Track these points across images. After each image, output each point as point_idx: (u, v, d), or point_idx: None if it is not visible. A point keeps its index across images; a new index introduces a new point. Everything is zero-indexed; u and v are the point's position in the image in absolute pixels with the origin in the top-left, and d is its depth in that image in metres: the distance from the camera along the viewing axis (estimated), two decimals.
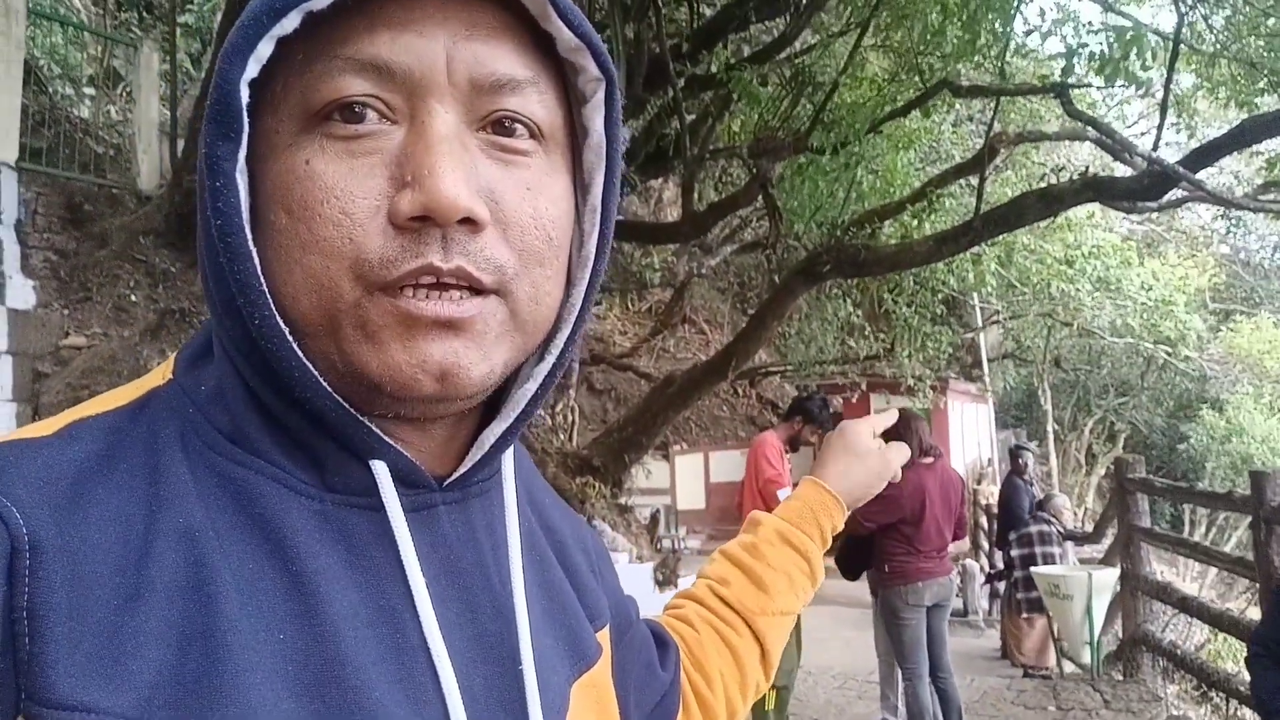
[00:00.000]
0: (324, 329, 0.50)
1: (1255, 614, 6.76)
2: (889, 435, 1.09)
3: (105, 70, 9.63)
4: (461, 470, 0.58)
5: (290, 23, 0.48)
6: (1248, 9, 6.96)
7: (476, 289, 0.51)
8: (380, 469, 0.53)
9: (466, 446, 0.59)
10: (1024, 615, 7.40)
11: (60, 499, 0.46)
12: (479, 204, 0.50)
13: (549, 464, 7.92)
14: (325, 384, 0.51)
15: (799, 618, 1.02)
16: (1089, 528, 8.81)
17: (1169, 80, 6.27)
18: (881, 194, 7.84)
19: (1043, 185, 7.23)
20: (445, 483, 0.57)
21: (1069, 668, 7.13)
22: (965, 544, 7.77)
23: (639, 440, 8.38)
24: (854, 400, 11.56)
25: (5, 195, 6.14)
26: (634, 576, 6.53)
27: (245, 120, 0.49)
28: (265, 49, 0.49)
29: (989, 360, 16.95)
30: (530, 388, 0.58)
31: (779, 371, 13.79)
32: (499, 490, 0.61)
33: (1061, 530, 7.65)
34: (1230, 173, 16.29)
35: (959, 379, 15.78)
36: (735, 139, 8.39)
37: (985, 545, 11.31)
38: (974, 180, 7.26)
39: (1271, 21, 6.84)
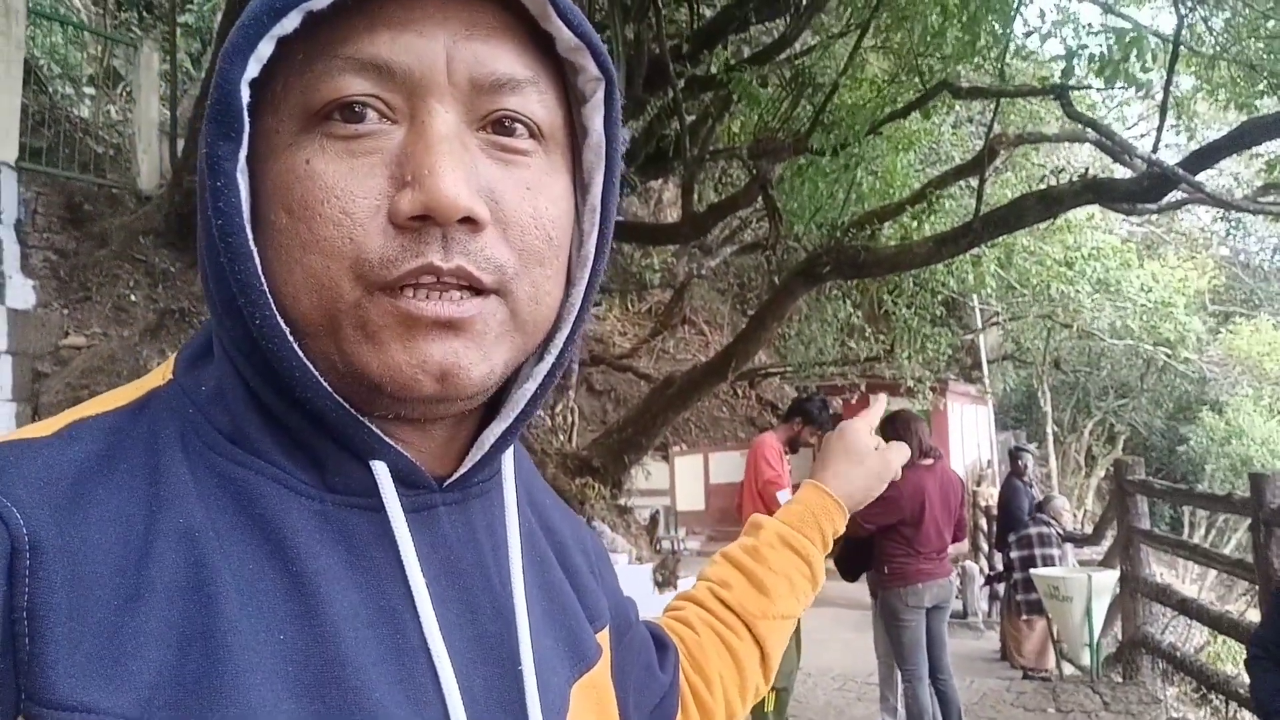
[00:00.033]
0: (324, 329, 0.50)
1: (1255, 616, 6.76)
2: (888, 434, 1.08)
3: (105, 70, 9.63)
4: (462, 471, 0.58)
5: (290, 22, 0.48)
6: (1248, 11, 6.96)
7: (477, 289, 0.51)
8: (380, 469, 0.53)
9: (467, 447, 0.59)
10: (1023, 617, 7.40)
11: (60, 499, 0.46)
12: (479, 203, 0.50)
13: (548, 465, 7.93)
14: (326, 384, 0.51)
15: (799, 619, 1.01)
16: (1088, 529, 8.81)
17: (1168, 82, 6.28)
18: (881, 195, 7.85)
19: (1042, 187, 7.24)
20: (445, 483, 0.57)
21: (1068, 669, 7.13)
22: (965, 546, 7.79)
23: (638, 441, 8.38)
24: (854, 402, 11.55)
25: (5, 195, 6.14)
26: (633, 578, 6.53)
27: (246, 120, 0.49)
28: (266, 49, 0.49)
29: (989, 362, 16.96)
30: (530, 387, 0.58)
31: (779, 373, 13.80)
32: (499, 491, 0.61)
33: (1061, 532, 7.65)
34: (1230, 175, 16.31)
35: (959, 380, 15.79)
36: (735, 140, 8.40)
37: (985, 547, 11.31)
38: (974, 182, 7.27)
39: (1271, 24, 6.85)
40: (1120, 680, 6.27)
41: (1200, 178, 6.18)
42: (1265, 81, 6.85)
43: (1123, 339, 15.48)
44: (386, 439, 0.53)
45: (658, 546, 9.65)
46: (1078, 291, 11.69)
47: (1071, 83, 6.28)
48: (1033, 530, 7.53)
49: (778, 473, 4.76)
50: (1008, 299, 14.15)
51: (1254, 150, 8.33)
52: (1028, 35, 7.91)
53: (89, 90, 9.43)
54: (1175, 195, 6.63)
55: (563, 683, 0.62)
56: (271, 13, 0.48)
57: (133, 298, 6.12)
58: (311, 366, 0.50)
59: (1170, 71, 6.16)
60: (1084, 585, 6.40)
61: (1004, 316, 16.25)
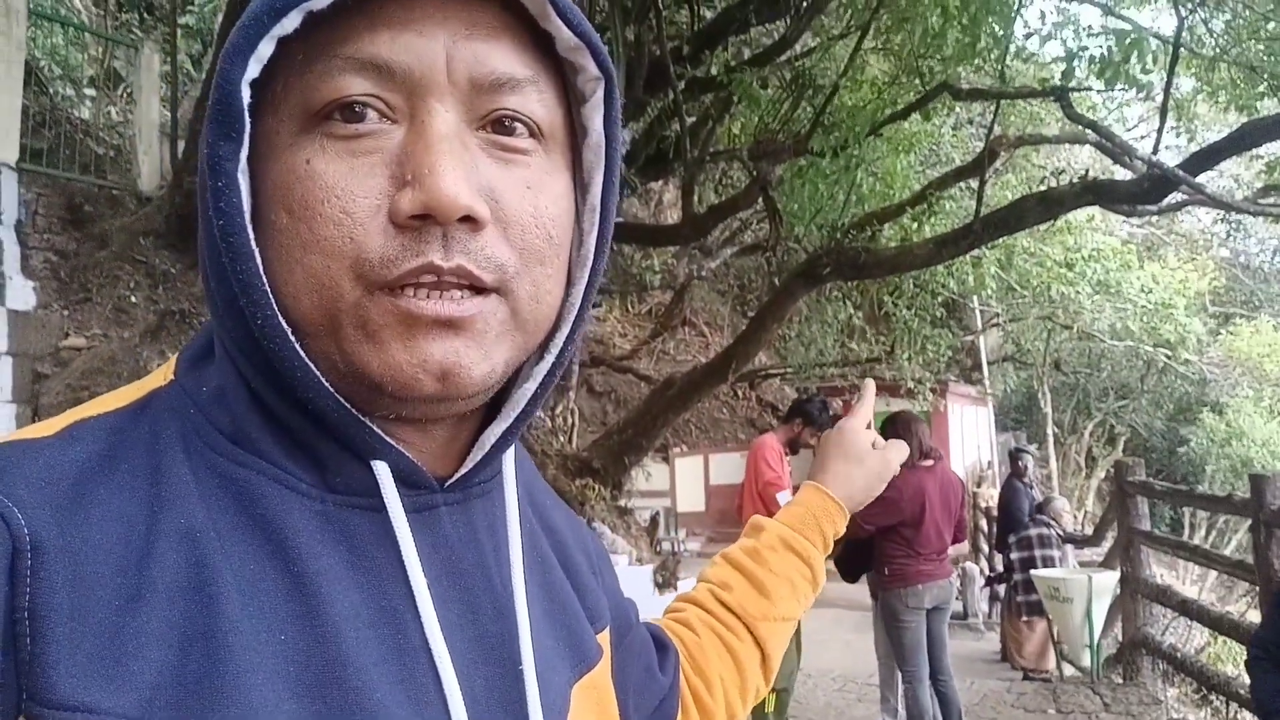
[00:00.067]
0: (325, 329, 0.50)
1: (1255, 617, 6.76)
2: (888, 435, 1.08)
3: (106, 71, 9.63)
4: (463, 471, 0.58)
5: (291, 22, 0.48)
6: (1248, 13, 6.96)
7: (477, 288, 0.51)
8: (382, 469, 0.53)
9: (468, 447, 0.59)
10: (1024, 618, 7.40)
11: (62, 499, 0.46)
12: (479, 202, 0.50)
13: (549, 466, 7.93)
14: (327, 384, 0.51)
15: (799, 620, 1.01)
16: (1089, 531, 8.81)
17: (1169, 84, 6.28)
18: (881, 197, 7.85)
19: (1043, 188, 7.24)
20: (447, 483, 0.57)
21: (1069, 671, 7.13)
22: (965, 547, 7.79)
23: (639, 442, 8.39)
24: (854, 403, 11.56)
25: (6, 196, 6.14)
26: (634, 579, 6.52)
27: (247, 120, 0.49)
28: (266, 49, 0.49)
29: (989, 363, 16.97)
30: (530, 387, 0.58)
31: (779, 374, 13.81)
32: (500, 491, 0.61)
33: (1061, 533, 7.65)
34: (1230, 176, 16.31)
35: (959, 382, 15.80)
36: (735, 141, 8.40)
37: (985, 548, 11.31)
38: (974, 183, 7.27)
39: (1271, 25, 6.85)
40: (1121, 681, 6.27)
41: (1201, 179, 6.18)
42: (1266, 83, 6.84)
43: (1123, 340, 15.48)
44: (388, 439, 0.53)
45: (658, 548, 9.65)
46: (1078, 293, 11.70)
47: (1072, 84, 6.28)
48: (1033, 531, 7.53)
49: (778, 474, 4.76)
50: (1008, 300, 14.16)
51: (1254, 152, 8.34)
52: (1028, 37, 7.90)
53: (90, 91, 9.44)
54: (1175, 197, 6.63)
55: (564, 683, 0.62)
56: (271, 13, 0.48)
57: (133, 299, 6.12)
58: (313, 366, 0.50)
59: (1170, 73, 6.16)
60: (1084, 586, 6.40)
61: (1004, 318, 16.26)
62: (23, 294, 5.83)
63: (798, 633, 4.84)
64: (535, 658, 0.57)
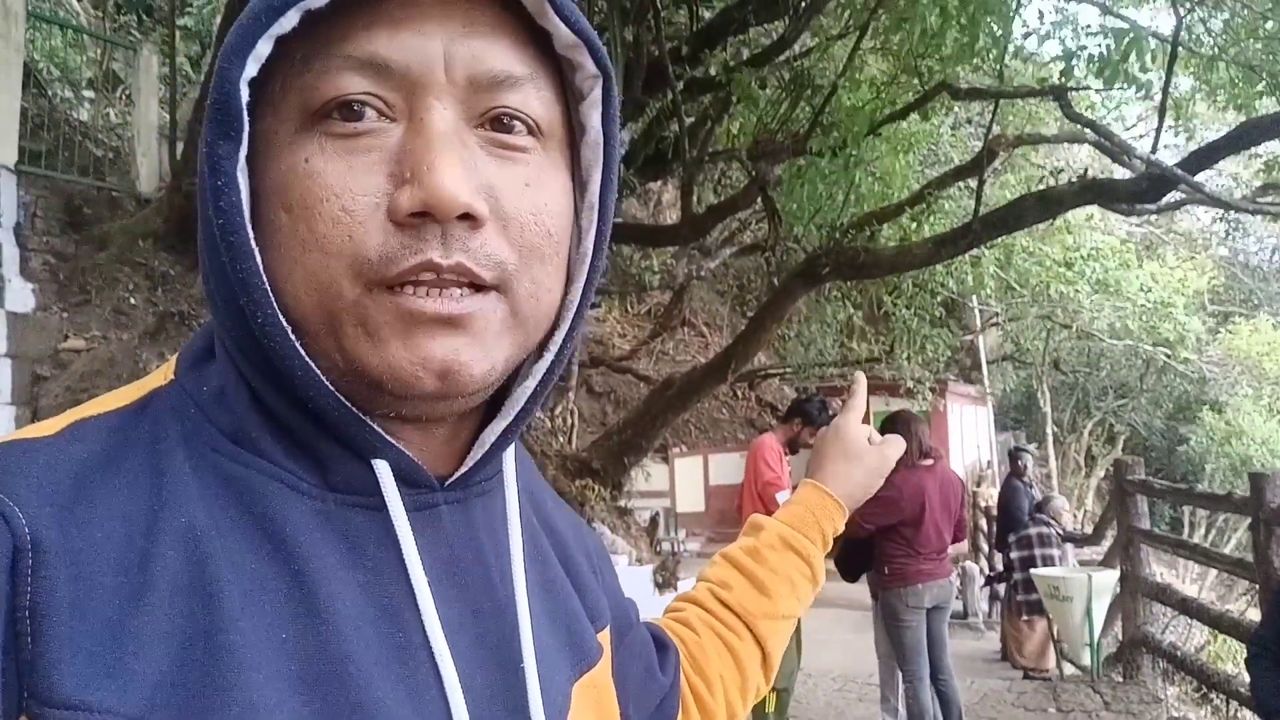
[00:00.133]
0: (325, 327, 0.50)
1: (1255, 615, 6.77)
2: (887, 433, 1.08)
3: (104, 73, 9.63)
4: (463, 470, 0.58)
5: (289, 21, 0.48)
6: (1246, 12, 6.96)
7: (477, 285, 0.51)
8: (382, 468, 0.53)
9: (468, 446, 0.59)
10: (1024, 617, 7.40)
11: (63, 499, 0.46)
12: (478, 200, 0.50)
13: (548, 466, 7.93)
14: (327, 383, 0.51)
15: (799, 620, 1.01)
16: (1088, 530, 8.81)
17: (1167, 83, 6.29)
18: (880, 196, 7.86)
19: (1042, 188, 7.25)
20: (447, 482, 0.57)
21: (1069, 669, 7.13)
22: (965, 546, 7.79)
23: (638, 443, 8.39)
24: (845, 398, 11.57)
25: (4, 198, 6.14)
26: (633, 579, 6.53)
27: (245, 119, 0.49)
28: (264, 48, 0.49)
29: (988, 362, 16.98)
30: (530, 385, 0.58)
31: (778, 374, 13.82)
32: (500, 490, 0.61)
33: (1061, 532, 7.66)
34: (1229, 175, 16.32)
35: (958, 381, 15.81)
36: (734, 142, 8.40)
37: (985, 547, 11.32)
38: (973, 183, 7.28)
39: (1270, 24, 6.84)
40: (1121, 680, 6.27)
41: (1199, 178, 6.18)
42: (1264, 82, 6.84)
43: (1122, 339, 15.50)
44: (388, 437, 0.53)
45: (658, 548, 9.64)
46: (1077, 292, 11.71)
47: (1070, 84, 6.29)
48: (1032, 530, 7.54)
49: (777, 474, 4.77)
50: (1007, 300, 14.17)
51: (1253, 150, 8.34)
52: (1026, 36, 7.92)
53: (88, 93, 9.44)
54: (1174, 196, 6.64)
55: (564, 681, 0.62)
56: (270, 11, 0.48)
57: (132, 301, 6.12)
58: (313, 365, 0.50)
59: (1169, 72, 6.17)
60: (1084, 585, 6.40)
61: (1003, 317, 16.27)
62: (22, 296, 5.83)
63: (798, 632, 4.83)
64: (536, 656, 0.57)
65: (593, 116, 0.57)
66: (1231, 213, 13.33)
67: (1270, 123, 5.81)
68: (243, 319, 0.50)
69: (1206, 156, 6.16)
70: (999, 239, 8.06)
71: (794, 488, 1.03)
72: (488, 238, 0.51)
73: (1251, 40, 7.16)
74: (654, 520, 10.35)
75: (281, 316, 0.50)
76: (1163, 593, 6.33)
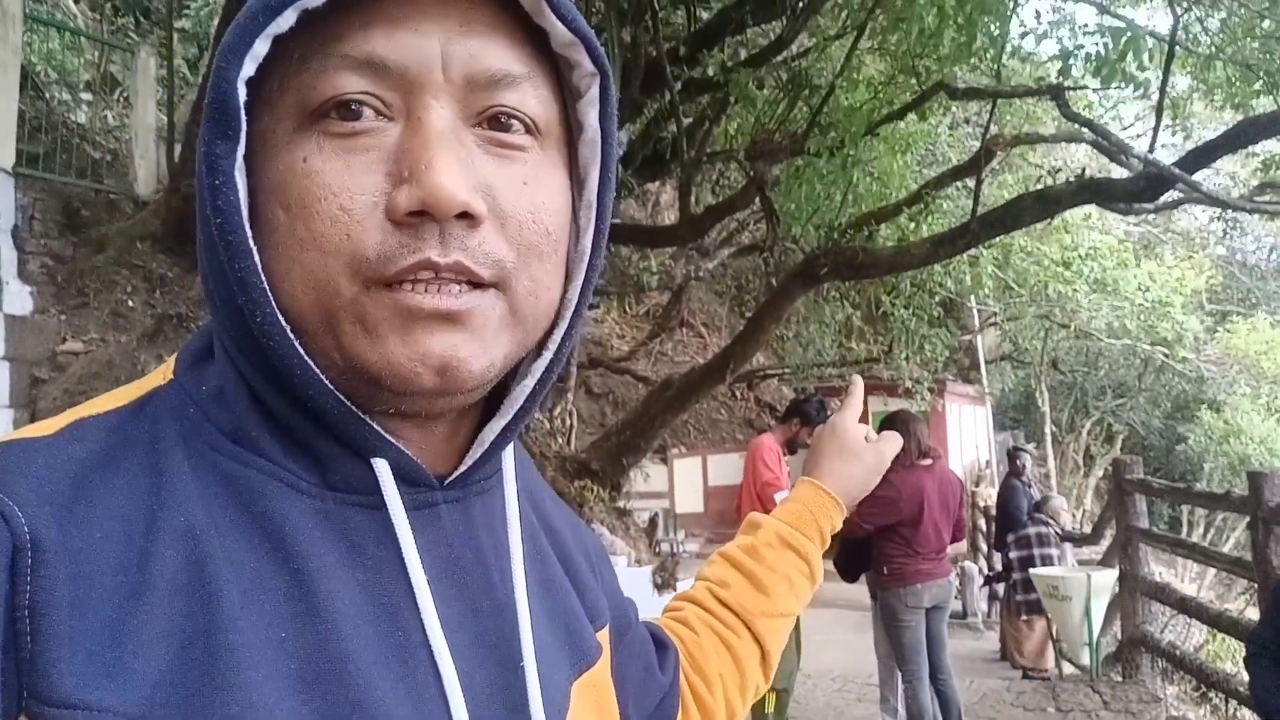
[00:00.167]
0: (323, 325, 0.50)
1: (1254, 614, 6.77)
2: (885, 431, 1.08)
3: (102, 75, 9.61)
4: (462, 468, 0.58)
5: (286, 21, 0.49)
6: (1243, 11, 6.97)
7: (475, 283, 0.51)
8: (382, 467, 0.53)
9: (467, 445, 0.59)
10: (1023, 617, 7.40)
11: (62, 498, 0.46)
12: (476, 198, 0.50)
13: (547, 467, 7.92)
14: (326, 381, 0.51)
15: (798, 620, 1.02)
16: (1087, 529, 8.82)
17: (1164, 82, 6.29)
18: (878, 197, 7.86)
19: (1039, 187, 7.25)
20: (446, 481, 0.58)
21: (1068, 669, 7.14)
22: (963, 546, 7.78)
23: (637, 444, 8.38)
24: (843, 398, 11.57)
25: (2, 201, 6.13)
26: (633, 580, 6.53)
27: (243, 118, 0.49)
28: (262, 47, 0.49)
29: (986, 362, 16.99)
30: (529, 384, 0.58)
31: (777, 374, 13.82)
32: (500, 489, 0.61)
33: (1059, 531, 7.66)
34: (1226, 174, 16.33)
35: (957, 381, 15.82)
36: (732, 142, 8.41)
37: (983, 547, 11.32)
38: (971, 182, 7.28)
39: (1267, 23, 6.85)
40: (1120, 679, 6.27)
41: (1197, 177, 6.19)
42: (1261, 81, 6.85)
43: (1120, 339, 15.51)
44: (388, 436, 0.53)
45: (657, 549, 9.64)
46: (1075, 291, 11.71)
47: (1068, 83, 6.29)
48: (1031, 530, 7.54)
49: (776, 474, 4.77)
50: (1005, 299, 14.19)
51: (1250, 149, 8.34)
52: (1024, 36, 7.92)
53: (86, 96, 9.43)
54: (1172, 195, 6.64)
55: (563, 680, 0.62)
56: (267, 11, 0.48)
57: (130, 303, 6.11)
58: (311, 364, 0.50)
59: (1166, 71, 6.17)
60: (1083, 584, 6.41)
61: (1002, 317, 16.29)
62: (19, 299, 5.82)
63: (797, 633, 4.84)
64: (535, 655, 0.57)
65: (590, 115, 0.57)
66: (1229, 212, 13.33)
67: (1267, 121, 5.82)
68: (241, 318, 0.50)
69: (1204, 155, 6.16)
70: (997, 239, 8.05)
71: (793, 487, 1.03)
72: (486, 236, 0.51)
73: (1249, 39, 7.17)
74: (653, 521, 10.36)
75: (280, 315, 0.50)
76: (1161, 592, 6.34)
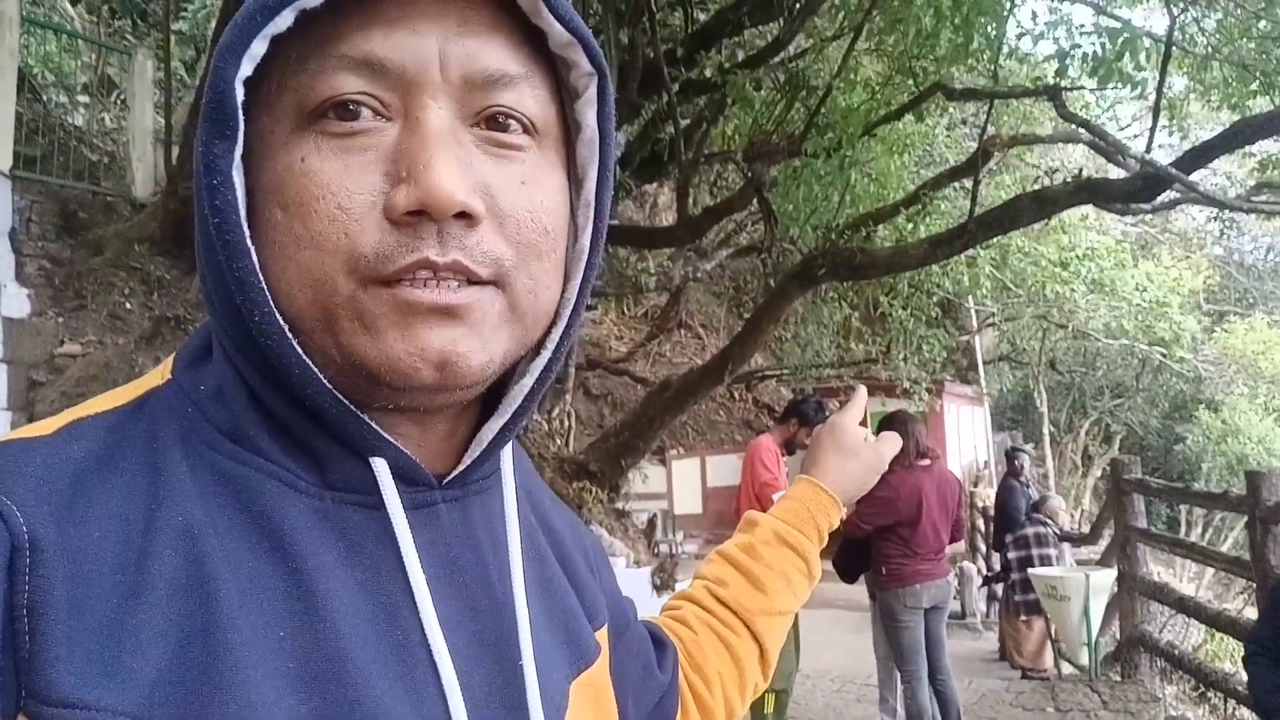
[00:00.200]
0: (321, 323, 0.50)
1: (1252, 614, 6.77)
2: (884, 432, 1.08)
3: (99, 78, 9.61)
4: (461, 467, 0.58)
5: (284, 21, 0.49)
6: (1239, 11, 6.98)
7: (474, 281, 0.51)
8: (380, 466, 0.53)
9: (465, 444, 0.59)
10: (1022, 617, 7.40)
11: (60, 497, 0.46)
12: (474, 198, 0.50)
13: (545, 469, 7.92)
14: (324, 380, 0.51)
15: (797, 621, 1.02)
16: (1085, 529, 8.82)
17: (1161, 82, 6.30)
18: (876, 197, 7.86)
19: (1037, 188, 7.26)
20: (445, 480, 0.58)
21: (1067, 669, 7.14)
22: (962, 546, 7.79)
23: (635, 445, 8.37)
24: (846, 402, 11.57)
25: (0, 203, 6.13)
26: (632, 581, 6.52)
27: (241, 118, 0.49)
28: (259, 48, 0.49)
29: (984, 363, 17.00)
30: (527, 383, 0.58)
31: (775, 375, 13.83)
32: (498, 489, 0.62)
33: (1058, 531, 7.67)
34: (1223, 174, 16.34)
35: (955, 382, 15.83)
36: (730, 143, 8.41)
37: (982, 547, 11.33)
38: (968, 183, 7.29)
39: (1263, 24, 6.86)
40: (1119, 679, 6.28)
41: (1194, 177, 6.20)
42: (1258, 81, 6.86)
43: (1118, 339, 15.52)
44: (386, 435, 0.53)
45: (655, 550, 9.64)
46: (1073, 292, 11.72)
47: (1065, 83, 6.30)
48: (1029, 530, 7.54)
49: (774, 475, 4.77)
50: (1003, 300, 14.19)
51: (1247, 149, 8.35)
52: (1020, 36, 7.92)
53: (83, 98, 9.42)
54: (1169, 195, 6.65)
55: (562, 680, 0.62)
56: (265, 11, 0.48)
57: (128, 305, 6.11)
58: (310, 363, 0.50)
59: (1163, 72, 6.18)
60: (1082, 584, 6.41)
61: (999, 317, 16.30)
62: (17, 301, 5.81)
63: (796, 633, 4.84)
64: (534, 654, 0.57)
65: (588, 114, 0.57)
66: (1226, 212, 13.34)
67: (1264, 121, 5.83)
68: (239, 318, 0.50)
69: (1201, 156, 6.17)
70: (995, 239, 8.06)
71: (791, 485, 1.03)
72: (484, 235, 0.51)
73: (1245, 40, 7.18)
74: (651, 522, 10.35)
75: (278, 314, 0.50)
76: (1160, 591, 6.34)
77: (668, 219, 12.99)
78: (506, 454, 0.62)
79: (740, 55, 8.26)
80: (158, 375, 0.56)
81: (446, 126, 0.50)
